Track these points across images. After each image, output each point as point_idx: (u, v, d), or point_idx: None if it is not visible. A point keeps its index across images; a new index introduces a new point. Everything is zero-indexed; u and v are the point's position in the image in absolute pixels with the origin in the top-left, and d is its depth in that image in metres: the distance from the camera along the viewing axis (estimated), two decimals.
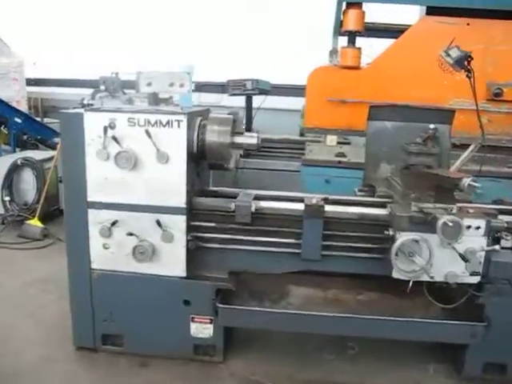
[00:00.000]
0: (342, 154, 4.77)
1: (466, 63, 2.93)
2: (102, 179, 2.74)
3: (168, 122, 2.63)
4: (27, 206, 5.55)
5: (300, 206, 2.83)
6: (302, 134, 7.58)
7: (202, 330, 2.95)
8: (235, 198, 2.93)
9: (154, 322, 2.97)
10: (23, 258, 4.84)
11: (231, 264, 2.97)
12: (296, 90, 7.36)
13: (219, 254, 2.93)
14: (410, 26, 4.59)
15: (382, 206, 2.98)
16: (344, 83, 4.55)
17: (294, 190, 6.34)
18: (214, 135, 2.75)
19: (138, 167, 2.69)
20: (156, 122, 2.63)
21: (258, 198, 2.91)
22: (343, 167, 4.75)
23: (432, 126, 3.16)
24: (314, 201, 2.77)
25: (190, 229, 2.83)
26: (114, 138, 2.64)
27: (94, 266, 2.91)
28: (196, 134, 2.78)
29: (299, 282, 3.34)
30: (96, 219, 2.81)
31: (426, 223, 2.54)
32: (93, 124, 2.68)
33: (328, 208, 2.80)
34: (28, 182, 5.57)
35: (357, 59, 4.52)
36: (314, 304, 3.25)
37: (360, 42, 4.71)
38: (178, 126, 2.63)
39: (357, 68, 4.53)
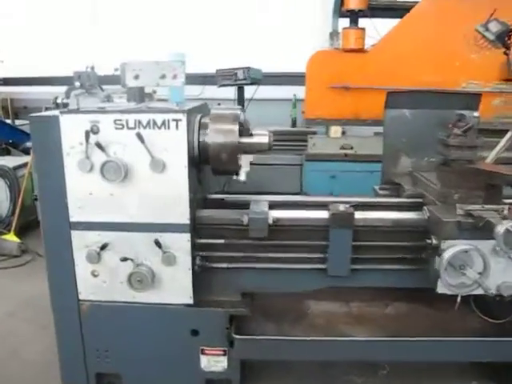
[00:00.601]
0: (348, 146, 4.36)
1: (506, 38, 2.53)
2: (86, 195, 2.27)
3: (164, 123, 2.17)
4: (1, 220, 5.01)
5: (324, 214, 2.41)
6: (293, 125, 7.18)
7: (214, 363, 2.52)
8: (245, 206, 2.50)
9: (158, 358, 2.52)
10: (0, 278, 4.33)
11: (245, 285, 2.54)
12: (287, 79, 6.94)
13: (230, 275, 2.50)
14: (417, 2, 4.18)
15: (416, 208, 2.58)
16: (347, 68, 4.14)
17: (294, 184, 5.97)
18: (219, 136, 2.30)
19: (129, 179, 2.23)
20: (149, 123, 2.17)
21: (272, 205, 2.48)
22: (350, 160, 4.36)
23: (459, 112, 2.75)
24: (341, 208, 2.35)
25: (195, 248, 2.38)
26: (98, 145, 2.16)
27: (82, 296, 2.44)
28: (196, 135, 2.33)
29: (318, 296, 2.94)
30: (81, 242, 2.34)
31: (476, 229, 2.15)
32: (71, 129, 2.20)
33: (358, 215, 2.37)
34: (0, 193, 5.02)
35: (360, 41, 4.12)
36: (339, 323, 2.85)
37: (362, 23, 4.29)
38: (177, 127, 2.17)
39: (361, 51, 4.13)
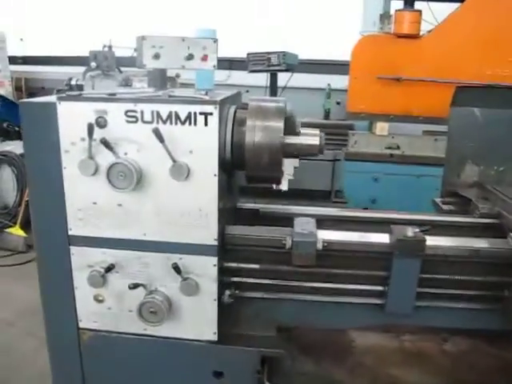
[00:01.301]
0: (395, 146, 3.82)
1: None
2: (88, 204, 1.81)
3: (189, 117, 1.68)
4: (7, 211, 4.62)
5: (385, 238, 1.91)
6: (326, 116, 6.65)
7: None
8: (284, 219, 2.03)
9: None
10: (2, 278, 3.94)
11: (282, 318, 2.06)
12: (321, 66, 6.39)
13: (265, 306, 2.03)
14: None
15: (492, 230, 2.08)
16: (399, 56, 3.59)
17: (325, 181, 5.45)
18: (260, 134, 1.80)
19: (144, 187, 1.76)
20: (170, 117, 1.69)
21: (319, 221, 1.99)
22: (395, 162, 3.82)
23: None
24: (409, 232, 1.84)
25: (223, 273, 1.91)
26: (105, 143, 1.69)
27: (82, 324, 2.00)
28: (230, 132, 1.84)
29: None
30: (83, 261, 1.89)
31: None
32: (71, 120, 1.73)
33: (428, 241, 1.86)
34: (7, 182, 4.62)
35: (416, 25, 3.56)
36: (389, 363, 2.36)
37: (418, 5, 3.72)
38: (206, 123, 1.68)
39: (416, 36, 3.56)
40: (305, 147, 1.92)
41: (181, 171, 1.71)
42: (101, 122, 1.70)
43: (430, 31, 3.57)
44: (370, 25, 3.95)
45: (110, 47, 4.51)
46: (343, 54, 6.46)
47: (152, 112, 1.69)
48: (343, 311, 2.02)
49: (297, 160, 1.97)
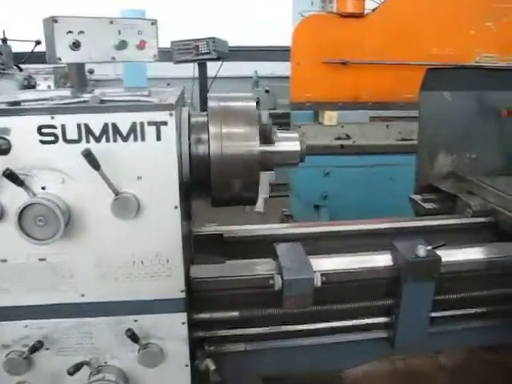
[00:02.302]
0: (346, 136, 3.52)
1: None
2: None
3: (134, 129, 1.19)
4: None
5: (387, 260, 1.56)
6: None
7: None
8: (258, 246, 1.62)
9: None
10: None
11: (269, 369, 1.65)
12: (249, 53, 5.98)
13: (248, 359, 1.60)
14: None
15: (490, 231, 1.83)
16: (345, 37, 3.26)
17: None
18: (229, 144, 1.36)
19: (76, 231, 1.25)
20: (105, 131, 1.19)
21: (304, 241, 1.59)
22: (347, 153, 3.52)
23: None
24: (421, 251, 1.49)
25: (193, 329, 1.45)
26: (10, 175, 1.15)
27: None
28: (187, 143, 1.38)
29: None
30: None
31: None
32: None
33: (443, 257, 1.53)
34: None
35: (360, 3, 3.24)
36: None
37: None
38: (158, 136, 1.21)
39: (361, 15, 3.26)
40: (285, 156, 1.50)
41: (127, 206, 1.22)
42: (1, 146, 1.16)
43: (374, 9, 3.28)
44: (306, 5, 3.60)
45: (4, 40, 3.75)
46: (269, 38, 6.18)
47: (79, 126, 1.17)
48: (343, 351, 1.65)
49: (272, 173, 1.55)
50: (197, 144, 1.40)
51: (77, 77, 1.65)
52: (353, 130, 3.51)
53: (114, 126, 1.18)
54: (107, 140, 1.18)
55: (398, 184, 3.56)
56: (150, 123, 1.18)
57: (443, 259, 1.52)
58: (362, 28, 3.25)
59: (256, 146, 1.37)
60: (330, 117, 3.42)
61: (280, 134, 1.52)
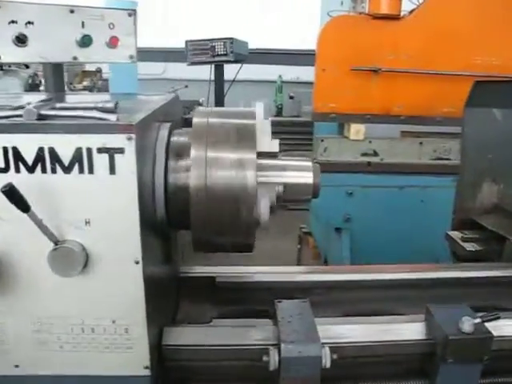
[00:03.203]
0: (373, 152, 3.14)
1: None
2: None
3: (79, 158, 0.87)
4: None
5: (421, 332, 1.19)
6: (279, 113, 5.94)
7: None
8: (256, 294, 1.29)
9: None
10: None
11: None
12: (272, 56, 5.66)
13: None
14: None
15: None
16: (377, 41, 2.89)
17: None
18: (216, 173, 1.02)
19: (7, 285, 0.95)
20: (41, 159, 0.87)
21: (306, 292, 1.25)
22: (374, 172, 3.14)
23: None
24: (467, 325, 1.12)
25: None
26: None
27: None
28: (163, 172, 1.05)
29: None
30: None
31: None
32: None
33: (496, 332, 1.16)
34: None
35: (396, 3, 2.86)
36: None
37: None
38: (112, 168, 0.88)
39: (396, 17, 2.88)
40: (293, 190, 1.16)
41: (69, 259, 0.90)
42: None
43: (412, 11, 2.90)
44: (335, 4, 3.25)
45: None
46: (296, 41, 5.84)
47: (5, 150, 0.86)
48: None
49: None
50: (176, 172, 1.07)
51: (52, 78, 1.35)
52: (381, 146, 3.13)
53: (53, 151, 0.86)
54: (43, 170, 0.87)
55: (430, 208, 3.18)
56: (100, 150, 0.86)
57: (495, 333, 1.15)
58: (397, 32, 2.87)
59: (252, 177, 1.04)
60: (356, 130, 3.05)
61: (287, 162, 1.17)
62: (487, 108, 2.00)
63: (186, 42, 3.51)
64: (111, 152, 0.86)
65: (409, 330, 1.21)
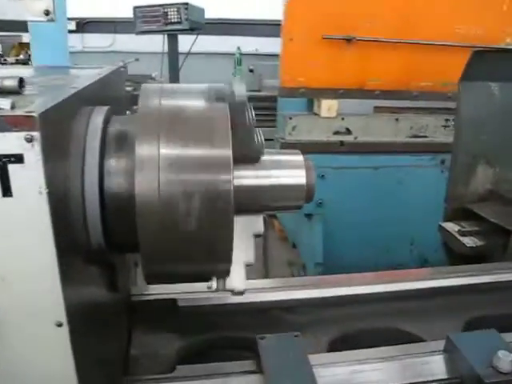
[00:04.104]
0: (346, 131, 2.88)
1: None
2: None
3: None
4: None
5: (441, 367, 0.95)
6: None
7: None
8: (226, 318, 1.03)
9: None
10: None
11: None
12: (230, 26, 5.27)
13: None
14: None
15: None
16: (351, 8, 2.60)
17: None
18: (174, 175, 0.70)
19: None
20: None
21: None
22: (348, 152, 2.89)
23: None
24: (504, 362, 0.88)
25: None
26: None
27: None
28: (97, 177, 0.72)
29: None
30: None
31: None
32: None
33: None
34: None
35: None
36: None
37: None
38: (6, 187, 0.54)
39: None
40: (280, 195, 0.86)
41: None
42: None
43: None
44: None
45: None
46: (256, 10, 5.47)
47: None
48: None
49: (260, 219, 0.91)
50: (116, 176, 0.75)
51: None
52: (355, 123, 2.88)
53: None
54: None
55: (407, 190, 2.98)
56: None
57: None
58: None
59: (228, 181, 0.73)
60: (328, 107, 2.77)
61: (272, 157, 0.87)
62: (483, 81, 1.77)
63: (134, 8, 3.08)
64: (4, 161, 0.52)
65: (428, 364, 0.96)
